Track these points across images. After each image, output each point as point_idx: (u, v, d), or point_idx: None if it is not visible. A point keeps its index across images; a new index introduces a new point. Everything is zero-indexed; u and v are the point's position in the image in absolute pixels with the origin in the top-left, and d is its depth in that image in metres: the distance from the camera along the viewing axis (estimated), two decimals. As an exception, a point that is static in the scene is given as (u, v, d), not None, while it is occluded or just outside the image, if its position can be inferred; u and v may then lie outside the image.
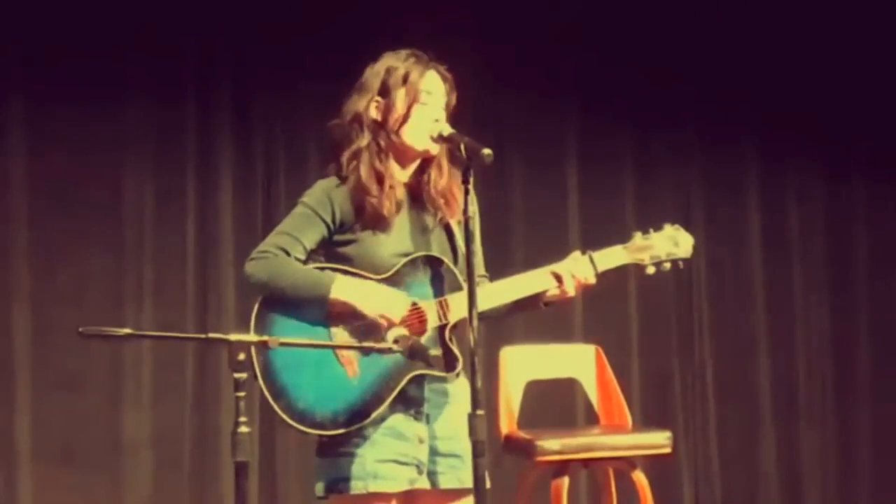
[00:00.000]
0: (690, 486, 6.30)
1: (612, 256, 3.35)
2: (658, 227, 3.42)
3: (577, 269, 3.29)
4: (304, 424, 3.13)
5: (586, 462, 4.73)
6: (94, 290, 5.52)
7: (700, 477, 6.32)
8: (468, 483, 3.13)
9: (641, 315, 6.25)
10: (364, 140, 3.25)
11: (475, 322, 3.01)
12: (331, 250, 3.26)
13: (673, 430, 4.90)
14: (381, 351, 3.07)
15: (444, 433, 3.22)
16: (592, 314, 5.92)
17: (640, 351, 6.25)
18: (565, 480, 4.60)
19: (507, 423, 4.78)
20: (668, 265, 3.40)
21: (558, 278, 3.28)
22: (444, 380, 3.23)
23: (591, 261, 3.32)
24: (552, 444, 4.58)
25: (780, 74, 6.45)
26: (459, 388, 3.25)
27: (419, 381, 3.19)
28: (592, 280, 3.32)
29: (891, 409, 6.59)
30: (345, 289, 3.14)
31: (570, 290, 3.29)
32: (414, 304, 3.19)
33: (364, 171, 3.23)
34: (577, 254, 3.33)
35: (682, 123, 6.40)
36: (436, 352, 3.11)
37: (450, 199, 3.30)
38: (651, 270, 3.40)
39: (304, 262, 3.22)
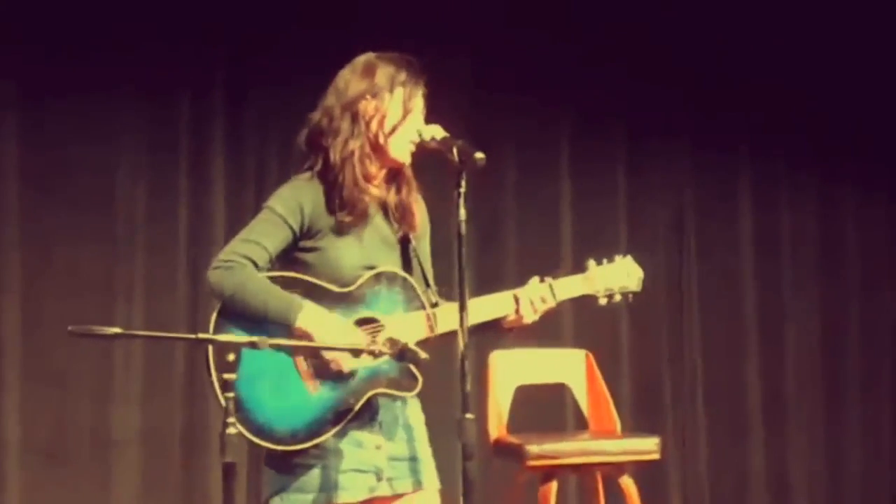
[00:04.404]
0: (679, 492, 6.30)
1: (570, 286, 3.39)
2: (611, 259, 3.47)
3: (536, 296, 3.31)
4: (262, 438, 3.09)
5: (575, 467, 4.74)
6: (85, 285, 5.50)
7: (688, 483, 6.31)
8: (426, 484, 3.23)
9: (631, 321, 6.24)
10: (356, 140, 3.21)
11: (465, 325, 3.02)
12: (290, 255, 3.22)
13: (662, 435, 4.90)
14: (370, 353, 3.06)
15: (399, 437, 3.23)
16: (582, 319, 5.91)
17: (630, 356, 6.24)
18: (554, 485, 4.61)
19: (497, 428, 4.78)
20: (618, 297, 3.47)
21: (517, 302, 3.29)
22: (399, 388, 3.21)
23: (552, 289, 3.33)
24: (541, 449, 4.59)
25: (772, 80, 6.45)
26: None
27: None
28: (553, 304, 3.34)
29: (879, 414, 6.62)
30: (310, 320, 3.10)
31: (528, 316, 3.30)
32: (374, 319, 3.18)
33: (358, 168, 3.19)
34: (535, 280, 3.34)
35: (675, 129, 6.39)
36: (425, 354, 3.10)
37: (413, 211, 3.30)
38: (603, 302, 3.46)
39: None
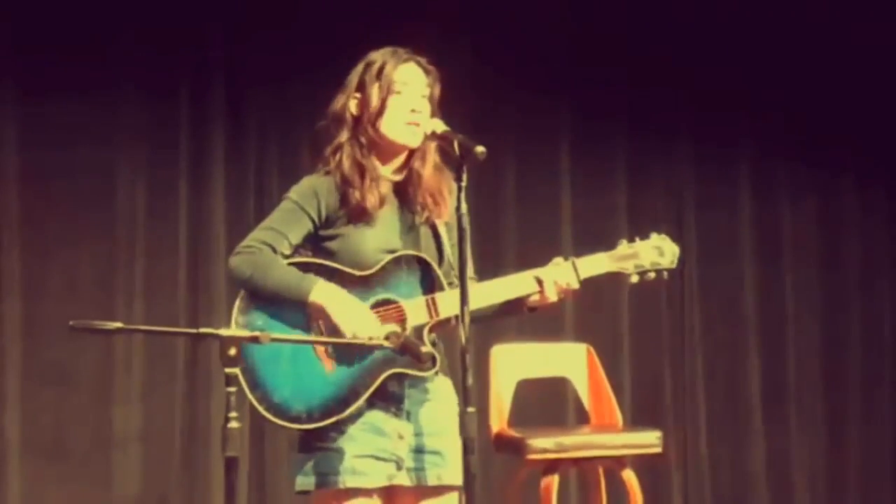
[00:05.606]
0: (680, 486, 6.30)
1: (595, 264, 3.34)
2: (644, 236, 3.41)
3: (560, 275, 3.29)
4: (279, 417, 3.13)
5: (576, 461, 4.75)
6: (86, 285, 5.51)
7: (689, 477, 6.32)
8: (447, 480, 3.20)
9: (633, 315, 6.25)
10: (344, 135, 3.27)
11: (467, 319, 3.02)
12: (317, 244, 3.27)
13: (663, 429, 4.91)
14: (372, 347, 3.06)
15: (425, 430, 3.22)
16: (584, 313, 5.91)
17: (632, 350, 6.24)
18: (555, 479, 4.62)
19: (498, 422, 4.79)
20: (652, 275, 3.39)
21: (540, 283, 3.28)
22: (424, 378, 3.23)
23: (574, 267, 3.31)
24: (542, 443, 4.60)
25: (774, 83, 6.45)
26: (440, 386, 3.28)
27: (399, 378, 3.19)
28: (576, 286, 3.31)
29: (880, 412, 6.62)
30: (324, 295, 3.14)
31: (552, 296, 3.28)
32: (392, 301, 3.19)
33: (346, 164, 3.24)
34: (559, 260, 3.32)
35: (676, 127, 6.39)
36: (427, 349, 3.10)
37: (438, 199, 3.30)
38: (635, 280, 3.39)
39: (289, 257, 3.22)
